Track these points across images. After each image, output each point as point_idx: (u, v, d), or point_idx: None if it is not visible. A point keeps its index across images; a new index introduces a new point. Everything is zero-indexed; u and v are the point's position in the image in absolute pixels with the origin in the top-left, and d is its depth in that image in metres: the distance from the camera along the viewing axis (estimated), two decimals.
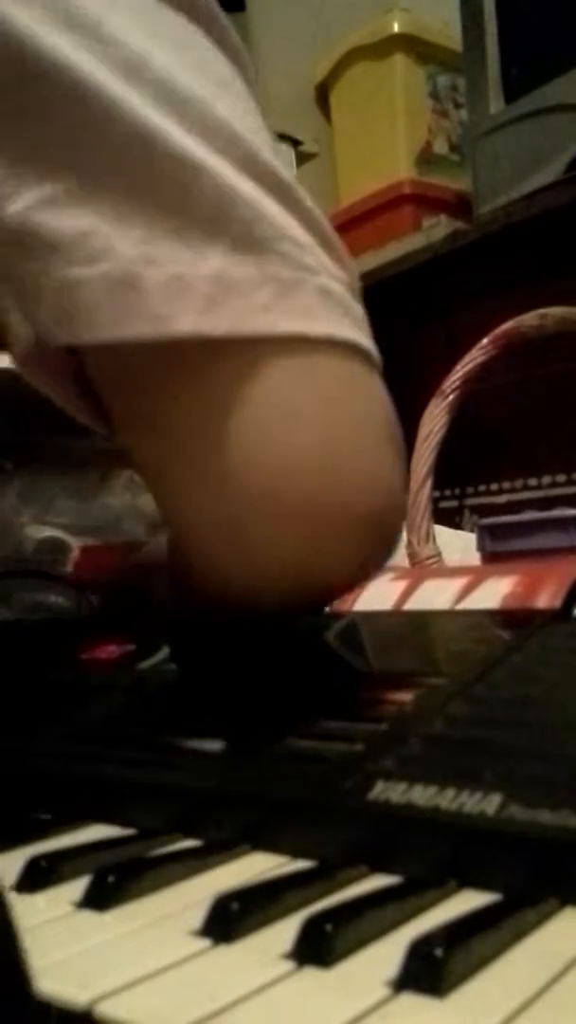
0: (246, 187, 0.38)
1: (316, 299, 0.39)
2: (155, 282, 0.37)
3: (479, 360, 0.83)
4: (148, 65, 0.38)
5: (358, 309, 0.41)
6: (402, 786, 0.27)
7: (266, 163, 0.39)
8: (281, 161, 0.41)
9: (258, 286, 0.38)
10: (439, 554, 0.78)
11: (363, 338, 0.40)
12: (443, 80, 1.71)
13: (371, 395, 0.41)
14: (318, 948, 0.21)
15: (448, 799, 0.26)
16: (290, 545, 0.39)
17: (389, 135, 1.70)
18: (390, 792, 0.27)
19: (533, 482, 1.36)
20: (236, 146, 0.39)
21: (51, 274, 0.38)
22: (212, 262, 0.37)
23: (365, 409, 0.40)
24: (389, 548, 0.43)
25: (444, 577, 0.58)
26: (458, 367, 0.84)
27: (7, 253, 0.39)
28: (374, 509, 0.40)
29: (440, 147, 1.72)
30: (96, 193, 0.37)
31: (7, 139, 0.38)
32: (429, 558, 0.77)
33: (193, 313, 0.37)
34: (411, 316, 1.45)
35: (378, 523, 0.40)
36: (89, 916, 0.25)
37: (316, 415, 0.39)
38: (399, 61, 1.68)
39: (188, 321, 0.37)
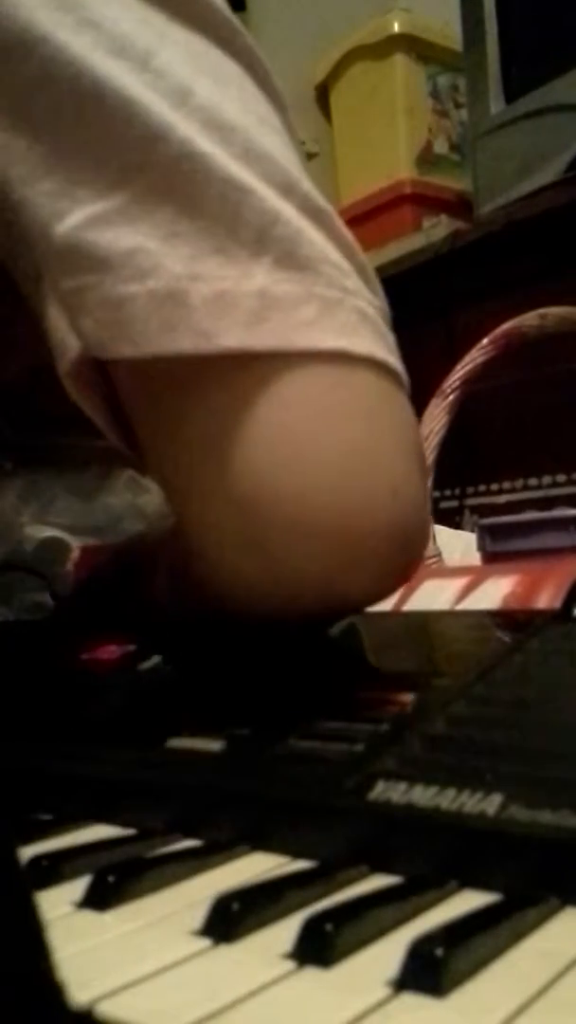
0: (289, 211, 0.39)
1: (356, 318, 0.40)
2: (202, 298, 0.38)
3: (479, 360, 0.83)
4: (194, 94, 0.39)
5: (391, 335, 0.42)
6: (402, 786, 0.27)
7: (306, 192, 0.41)
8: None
9: (302, 303, 0.39)
10: (439, 554, 0.78)
11: (396, 362, 0.41)
12: (443, 80, 1.72)
13: (401, 412, 0.42)
14: (319, 948, 0.21)
15: (449, 799, 0.26)
16: (315, 557, 0.39)
17: (389, 135, 1.70)
18: (390, 792, 0.27)
19: (533, 482, 1.36)
20: (277, 173, 0.40)
21: (98, 290, 0.38)
22: (257, 279, 0.38)
23: (395, 425, 0.41)
24: (412, 563, 0.43)
25: (444, 577, 0.58)
26: (458, 367, 0.84)
27: (56, 268, 0.39)
28: (400, 522, 0.40)
29: (440, 147, 1.72)
30: (146, 212, 0.38)
31: (62, 158, 0.39)
32: (429, 558, 0.77)
33: (238, 328, 0.38)
34: (411, 316, 1.45)
35: (403, 537, 0.40)
36: (89, 916, 0.25)
37: (348, 426, 0.40)
38: (399, 61, 1.68)
39: (233, 336, 0.38)
